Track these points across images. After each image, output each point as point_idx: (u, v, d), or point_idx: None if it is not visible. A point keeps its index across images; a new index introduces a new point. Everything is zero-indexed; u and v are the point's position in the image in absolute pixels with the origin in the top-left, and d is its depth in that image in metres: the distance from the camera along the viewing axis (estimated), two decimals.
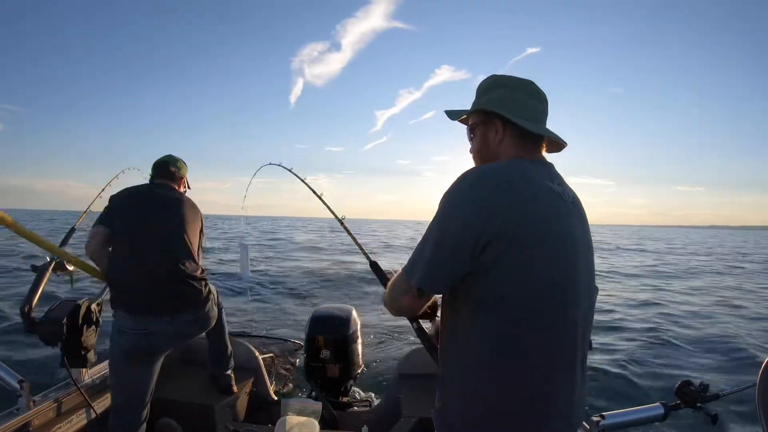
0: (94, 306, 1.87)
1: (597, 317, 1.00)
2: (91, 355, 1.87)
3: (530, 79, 0.97)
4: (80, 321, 1.78)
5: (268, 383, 2.63)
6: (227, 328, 2.33)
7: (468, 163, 1.04)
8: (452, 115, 1.04)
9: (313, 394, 2.63)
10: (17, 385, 1.63)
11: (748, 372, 4.59)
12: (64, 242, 2.26)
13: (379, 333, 5.37)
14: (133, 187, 1.96)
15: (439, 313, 1.03)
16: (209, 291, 1.91)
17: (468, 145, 1.04)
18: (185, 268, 1.81)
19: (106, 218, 1.82)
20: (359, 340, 2.74)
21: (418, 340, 1.40)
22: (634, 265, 16.36)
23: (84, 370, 1.92)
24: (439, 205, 0.87)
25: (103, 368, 2.07)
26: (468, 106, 1.02)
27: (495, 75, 0.99)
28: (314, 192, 2.15)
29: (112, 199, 1.89)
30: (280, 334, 4.59)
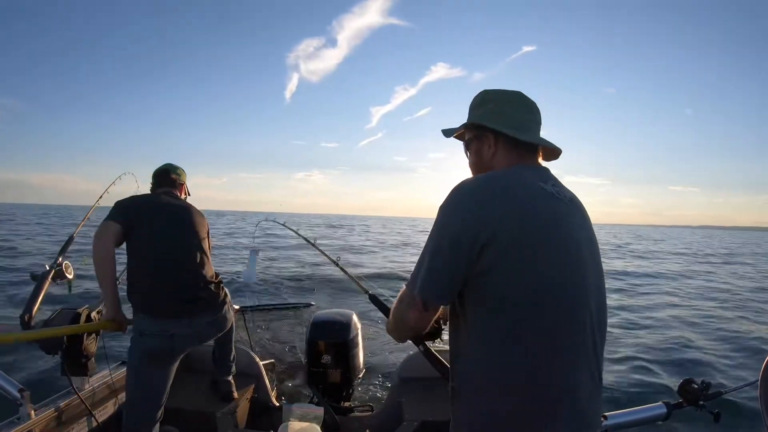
0: (94, 314, 1.86)
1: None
2: (92, 363, 1.86)
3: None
4: None
5: (270, 389, 2.62)
6: (234, 333, 2.33)
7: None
8: (447, 133, 1.08)
9: (315, 399, 2.63)
10: (18, 394, 1.62)
11: (751, 369, 4.59)
12: (63, 251, 2.26)
13: (379, 337, 5.36)
14: (142, 195, 1.99)
15: (446, 327, 1.03)
16: (225, 294, 1.98)
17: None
18: (204, 273, 1.87)
19: (118, 215, 1.77)
20: (360, 345, 2.74)
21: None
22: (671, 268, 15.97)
23: (85, 378, 1.91)
24: (436, 216, 0.89)
25: (104, 376, 2.07)
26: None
27: (485, 90, 1.03)
28: (308, 240, 2.27)
29: (123, 202, 1.86)
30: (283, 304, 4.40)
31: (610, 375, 4.32)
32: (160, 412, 1.78)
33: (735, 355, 5.20)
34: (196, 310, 1.80)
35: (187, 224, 1.92)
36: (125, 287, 1.83)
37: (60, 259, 2.17)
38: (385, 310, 1.86)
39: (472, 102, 1.04)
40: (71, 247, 2.35)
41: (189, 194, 2.20)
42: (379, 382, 3.92)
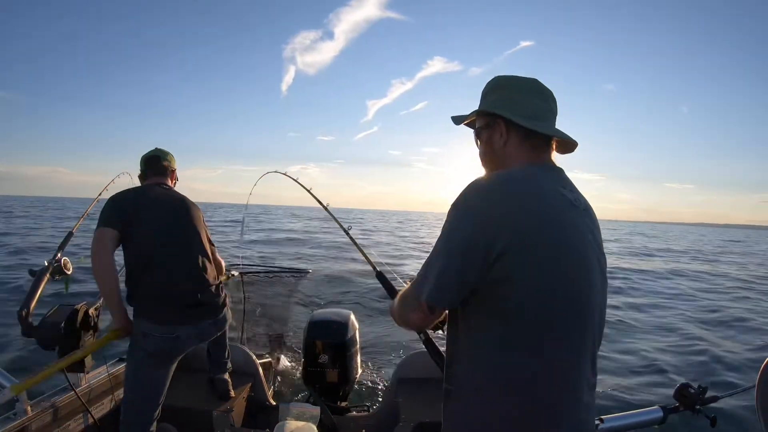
0: (91, 310, 1.86)
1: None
2: (89, 360, 1.86)
3: (524, 72, 0.97)
4: (78, 325, 1.78)
5: (266, 388, 2.63)
6: (228, 332, 2.33)
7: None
8: (457, 120, 1.03)
9: (312, 398, 2.63)
10: None
11: (747, 373, 4.59)
12: (62, 247, 2.25)
13: (377, 337, 5.36)
14: (135, 190, 1.86)
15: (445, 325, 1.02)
16: (225, 295, 1.98)
17: (467, 145, 1.04)
18: (207, 276, 1.85)
19: (110, 219, 1.69)
20: (358, 345, 2.74)
21: (416, 345, 1.40)
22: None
23: (81, 374, 1.91)
24: (447, 217, 0.85)
25: (100, 372, 2.06)
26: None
27: (498, 76, 0.97)
28: (321, 204, 2.27)
29: (117, 201, 1.77)
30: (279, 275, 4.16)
31: (606, 378, 4.33)
32: (158, 411, 1.77)
33: (731, 359, 5.20)
34: (199, 315, 1.80)
35: (186, 220, 1.87)
36: (124, 288, 1.77)
37: (59, 254, 2.15)
38: (391, 290, 1.85)
39: (485, 88, 0.99)
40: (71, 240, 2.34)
41: (177, 179, 2.09)
42: (376, 382, 3.92)
